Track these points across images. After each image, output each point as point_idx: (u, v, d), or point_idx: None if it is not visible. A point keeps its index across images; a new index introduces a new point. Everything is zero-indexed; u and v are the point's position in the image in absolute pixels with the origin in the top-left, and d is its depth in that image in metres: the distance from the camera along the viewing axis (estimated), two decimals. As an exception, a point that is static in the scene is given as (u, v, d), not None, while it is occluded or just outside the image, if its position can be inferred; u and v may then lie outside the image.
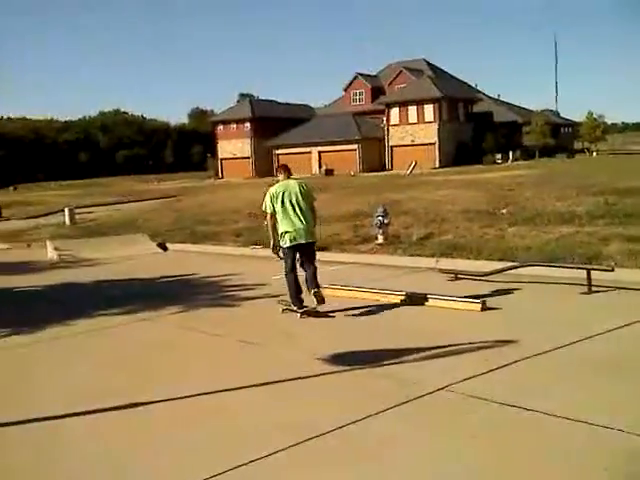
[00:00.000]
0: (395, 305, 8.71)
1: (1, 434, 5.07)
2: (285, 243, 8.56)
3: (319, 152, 61.49)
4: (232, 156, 70.86)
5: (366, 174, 47.65)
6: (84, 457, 4.56)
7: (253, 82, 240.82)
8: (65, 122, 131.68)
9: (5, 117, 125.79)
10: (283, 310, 8.71)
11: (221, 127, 73.07)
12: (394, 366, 6.10)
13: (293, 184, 8.85)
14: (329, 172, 55.63)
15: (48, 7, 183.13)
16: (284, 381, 5.86)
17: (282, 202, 8.56)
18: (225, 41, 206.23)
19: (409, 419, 4.89)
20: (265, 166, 64.97)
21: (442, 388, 5.38)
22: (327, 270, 11.76)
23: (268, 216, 8.71)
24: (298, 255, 8.64)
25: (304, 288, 8.62)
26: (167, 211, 23.78)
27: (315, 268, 8.75)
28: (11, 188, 66.54)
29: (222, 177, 70.02)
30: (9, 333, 8.33)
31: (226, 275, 11.89)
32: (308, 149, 61.95)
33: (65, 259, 16.08)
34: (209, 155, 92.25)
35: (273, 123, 66.94)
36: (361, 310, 8.61)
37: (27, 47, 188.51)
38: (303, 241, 8.55)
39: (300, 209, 8.56)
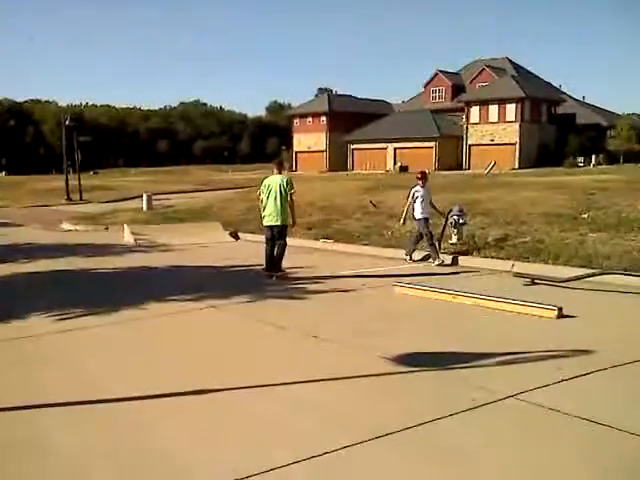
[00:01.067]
0: (466, 307, 8.51)
1: (89, 412, 5.18)
2: (264, 222, 11.07)
3: (395, 148, 61.05)
4: (307, 149, 71.23)
5: (442, 172, 46.89)
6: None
7: (332, 77, 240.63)
8: (147, 111, 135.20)
9: (90, 104, 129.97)
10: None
11: (297, 120, 73.53)
12: (463, 370, 5.94)
13: (278, 179, 10.98)
14: (404, 169, 55.13)
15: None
16: (350, 378, 5.78)
17: (268, 192, 10.85)
18: (305, 35, 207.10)
19: (475, 425, 4.75)
20: (339, 160, 65.05)
21: (512, 396, 5.20)
22: (399, 268, 11.70)
23: (259, 200, 11.17)
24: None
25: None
26: (241, 201, 24.01)
27: (281, 247, 10.97)
28: (91, 173, 68.70)
29: (296, 170, 70.44)
30: (86, 313, 8.55)
31: (296, 267, 11.88)
32: (384, 145, 61.61)
33: (141, 244, 16.48)
34: (284, 148, 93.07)
35: (350, 118, 66.88)
36: (431, 311, 8.46)
37: (113, 37, 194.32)
38: (273, 224, 10.90)
39: (275, 199, 10.78)
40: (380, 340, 7.03)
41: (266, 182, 11.03)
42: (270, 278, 10.89)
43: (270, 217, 10.92)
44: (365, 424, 4.74)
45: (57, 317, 8.33)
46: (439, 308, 8.58)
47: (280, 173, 11.21)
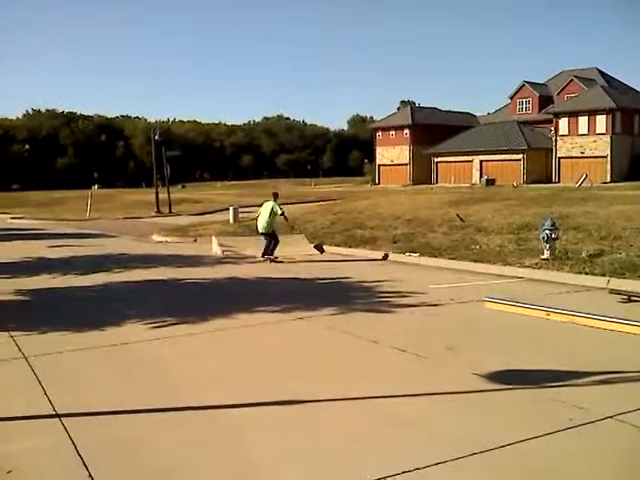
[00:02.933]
0: (561, 324, 8.19)
1: (182, 417, 5.26)
2: (258, 230, 16.29)
3: (481, 161, 60.01)
4: (390, 163, 70.96)
5: (531, 185, 45.77)
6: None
7: (415, 89, 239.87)
8: (231, 126, 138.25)
9: (177, 119, 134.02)
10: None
11: (380, 134, 73.38)
12: (558, 388, 5.73)
13: (271, 204, 16.21)
14: (490, 182, 54.07)
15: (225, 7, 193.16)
16: (441, 394, 5.66)
17: (262, 211, 16.31)
18: (388, 49, 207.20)
19: (571, 446, 4.55)
20: (423, 174, 64.48)
21: (611, 417, 4.96)
22: (489, 283, 11.42)
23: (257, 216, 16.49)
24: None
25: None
26: (325, 214, 24.12)
27: (267, 244, 15.96)
28: (179, 186, 70.62)
29: (379, 183, 70.31)
30: (177, 322, 8.73)
31: (382, 281, 11.80)
32: (469, 158, 60.68)
33: (229, 255, 16.75)
34: (366, 161, 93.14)
35: (433, 130, 66.24)
36: (524, 328, 8.19)
37: (199, 54, 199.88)
38: (262, 231, 16.12)
39: (264, 216, 16.13)
40: (471, 356, 6.85)
41: (264, 205, 16.45)
42: (265, 261, 15.59)
43: (260, 227, 16.23)
44: (456, 441, 4.62)
45: (149, 325, 8.54)
46: (532, 325, 8.30)
47: (274, 201, 16.29)
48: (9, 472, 4.25)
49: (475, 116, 76.36)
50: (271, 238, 15.95)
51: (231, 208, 27.02)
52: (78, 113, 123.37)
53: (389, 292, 10.68)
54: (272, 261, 15.60)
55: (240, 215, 26.78)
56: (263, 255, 15.80)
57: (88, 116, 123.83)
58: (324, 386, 5.95)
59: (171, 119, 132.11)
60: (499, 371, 6.22)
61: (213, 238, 18.50)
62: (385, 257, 15.53)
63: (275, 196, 16.61)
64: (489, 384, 5.89)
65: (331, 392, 5.73)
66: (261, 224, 16.14)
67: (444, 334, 7.88)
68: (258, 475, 4.22)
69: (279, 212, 16.05)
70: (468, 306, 9.61)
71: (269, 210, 15.99)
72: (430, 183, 60.99)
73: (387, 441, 4.68)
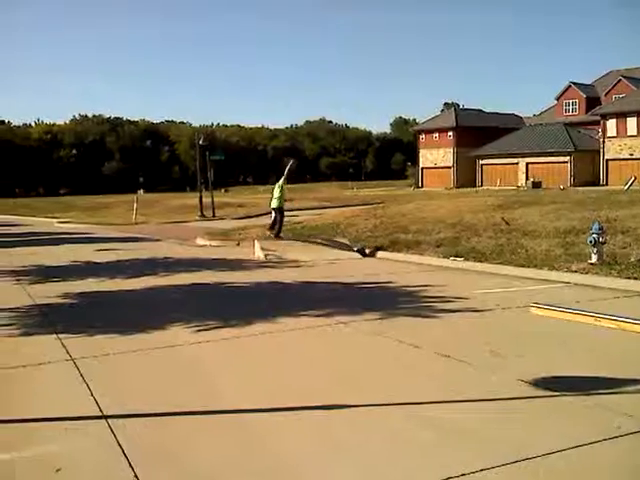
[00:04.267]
0: (610, 330, 8.00)
1: (223, 421, 5.30)
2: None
3: (527, 163, 59.26)
4: (433, 165, 70.56)
5: (578, 188, 44.91)
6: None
7: (459, 91, 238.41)
8: (274, 130, 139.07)
9: (221, 124, 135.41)
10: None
11: (423, 136, 73.03)
12: (606, 396, 5.61)
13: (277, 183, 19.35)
14: (537, 185, 53.29)
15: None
16: (487, 400, 5.59)
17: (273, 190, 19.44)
18: (431, 50, 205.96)
19: (621, 453, 4.46)
20: (467, 176, 63.94)
21: (661, 425, 4.81)
22: (535, 289, 11.22)
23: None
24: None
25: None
26: (368, 217, 24.06)
27: (274, 219, 19.45)
28: (223, 190, 71.26)
29: (422, 186, 69.93)
30: (221, 325, 8.79)
31: (425, 285, 11.70)
32: (515, 160, 59.98)
33: (271, 259, 16.82)
34: (409, 164, 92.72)
35: (478, 133, 65.67)
36: (572, 334, 8.03)
37: (245, 60, 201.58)
38: (271, 206, 19.63)
39: (273, 194, 19.25)
40: (517, 362, 6.74)
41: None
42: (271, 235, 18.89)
43: (271, 203, 19.48)
44: (502, 447, 4.56)
45: (194, 328, 8.62)
46: (579, 331, 8.13)
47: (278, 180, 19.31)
48: (58, 470, 4.34)
49: (521, 118, 75.47)
50: (277, 214, 19.20)
51: (273, 212, 27.11)
52: (124, 118, 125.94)
53: (433, 297, 10.57)
54: (276, 237, 19.03)
55: (283, 219, 26.85)
56: (271, 227, 19.41)
57: (134, 121, 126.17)
58: (368, 391, 5.93)
59: (215, 124, 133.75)
60: (545, 378, 6.11)
61: (255, 242, 18.60)
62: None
63: (279, 177, 19.65)
64: (535, 391, 5.79)
65: (375, 397, 5.70)
66: (271, 200, 19.48)
67: (489, 340, 7.76)
68: (296, 471, 4.22)
69: (281, 182, 19.20)
70: (514, 312, 9.46)
71: (276, 187, 19.24)
72: (474, 186, 60.43)
73: (432, 447, 4.64)
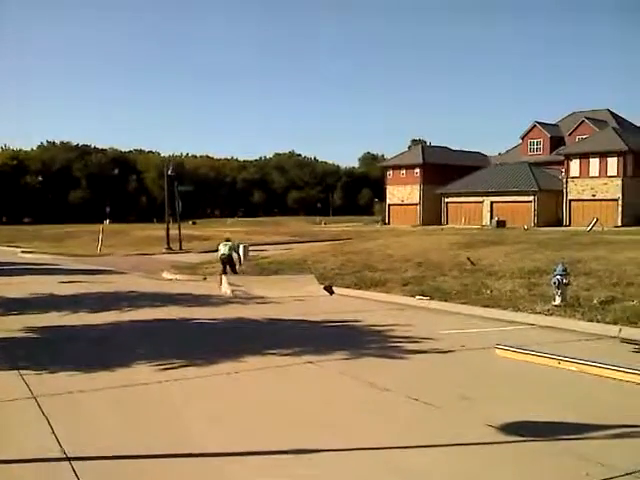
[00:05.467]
0: (573, 373, 8.12)
1: (186, 464, 5.22)
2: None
3: (491, 202, 60.14)
4: (400, 202, 71.13)
5: (541, 228, 45.70)
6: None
7: (426, 128, 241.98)
8: (244, 161, 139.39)
9: (190, 154, 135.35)
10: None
11: (391, 172, 73.71)
12: (574, 442, 5.64)
13: (229, 243, 21.29)
14: (501, 224, 54.09)
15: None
16: (454, 445, 5.61)
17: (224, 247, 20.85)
18: (399, 86, 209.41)
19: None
20: (433, 214, 64.59)
21: (630, 473, 4.87)
22: (500, 330, 11.34)
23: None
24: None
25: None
26: (336, 254, 24.14)
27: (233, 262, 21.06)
28: (190, 222, 70.96)
29: (389, 223, 70.42)
30: (185, 364, 8.70)
31: (392, 325, 11.75)
32: (480, 198, 60.83)
33: (238, 295, 16.76)
34: (377, 200, 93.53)
35: (444, 170, 66.56)
36: (536, 376, 8.13)
37: (211, 91, 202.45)
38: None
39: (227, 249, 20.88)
40: (484, 406, 6.79)
41: (222, 244, 21.31)
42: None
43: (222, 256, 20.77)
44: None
45: (158, 366, 8.52)
46: (544, 374, 8.22)
47: (228, 241, 21.60)
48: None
49: (486, 156, 76.81)
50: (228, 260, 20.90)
51: (241, 246, 27.05)
52: (92, 146, 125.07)
53: (400, 337, 10.62)
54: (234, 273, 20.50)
55: (250, 254, 26.82)
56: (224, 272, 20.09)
57: (102, 149, 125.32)
58: (334, 434, 5.90)
59: (184, 154, 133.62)
60: (513, 422, 6.15)
61: (222, 277, 18.53)
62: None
63: (227, 240, 21.88)
64: (503, 435, 5.83)
65: (341, 441, 5.68)
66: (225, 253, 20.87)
67: (456, 382, 7.82)
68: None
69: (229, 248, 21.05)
70: (480, 353, 9.55)
71: (231, 246, 21.28)
72: (440, 224, 61.07)
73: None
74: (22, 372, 8.14)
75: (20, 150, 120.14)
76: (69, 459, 5.23)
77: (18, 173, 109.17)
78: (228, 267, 20.69)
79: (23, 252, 38.94)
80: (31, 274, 23.92)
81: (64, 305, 14.61)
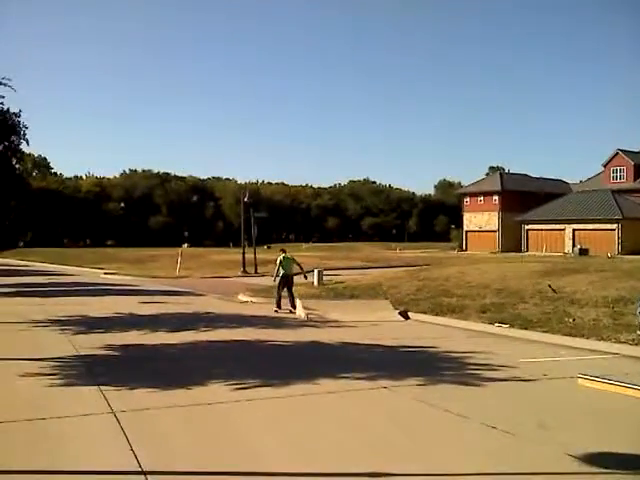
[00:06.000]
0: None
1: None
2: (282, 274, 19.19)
3: (573, 230, 58.42)
4: (478, 229, 70.12)
5: (626, 257, 44.01)
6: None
7: (504, 155, 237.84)
8: (318, 188, 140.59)
9: (266, 181, 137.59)
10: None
11: (468, 199, 72.88)
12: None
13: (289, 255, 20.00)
14: (583, 252, 52.36)
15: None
16: (532, 474, 5.41)
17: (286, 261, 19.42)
18: (476, 113, 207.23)
19: None
20: (512, 241, 63.31)
21: None
22: (582, 359, 10.91)
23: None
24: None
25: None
26: (411, 280, 23.88)
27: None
28: (265, 247, 71.80)
29: (466, 249, 69.43)
30: (260, 384, 8.73)
31: (470, 352, 11.47)
32: (561, 226, 59.22)
33: (312, 318, 16.77)
34: (453, 226, 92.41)
35: (523, 197, 65.35)
36: (621, 407, 7.76)
37: (292, 120, 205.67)
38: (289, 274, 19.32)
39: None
40: (565, 435, 6.51)
41: (282, 257, 19.57)
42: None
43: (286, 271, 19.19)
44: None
45: (233, 386, 8.57)
46: (628, 405, 7.84)
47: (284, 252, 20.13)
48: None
49: (567, 183, 74.97)
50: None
51: (315, 270, 27.18)
52: (172, 174, 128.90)
53: (479, 364, 10.34)
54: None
55: (324, 278, 26.90)
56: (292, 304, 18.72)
57: (181, 177, 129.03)
58: (409, 460, 5.77)
59: (259, 181, 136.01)
60: (594, 453, 5.89)
61: (297, 301, 18.59)
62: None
63: (283, 251, 20.44)
64: (583, 466, 5.58)
65: (416, 467, 5.56)
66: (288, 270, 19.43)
67: (536, 411, 7.54)
68: None
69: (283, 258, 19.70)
70: (561, 382, 9.20)
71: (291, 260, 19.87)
72: (520, 251, 59.72)
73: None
74: (102, 388, 8.33)
75: (103, 178, 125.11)
76: (144, 473, 5.29)
77: (101, 199, 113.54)
78: (286, 290, 19.02)
79: (105, 273, 40.23)
80: (113, 294, 24.68)
81: (144, 324, 14.96)
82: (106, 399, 7.79)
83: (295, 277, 20.25)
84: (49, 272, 42.95)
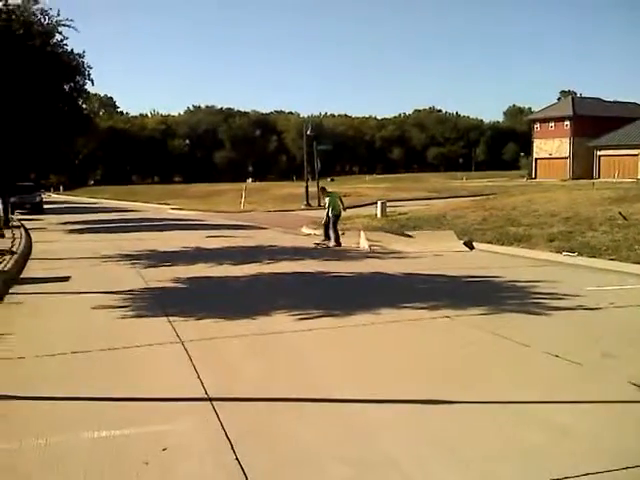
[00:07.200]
0: None
1: (322, 409, 5.34)
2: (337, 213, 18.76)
3: (648, 155, 56.10)
4: (548, 156, 68.16)
5: (703, 182, 42.07)
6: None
7: (577, 79, 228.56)
8: (382, 119, 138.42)
9: (329, 114, 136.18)
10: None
11: (538, 125, 70.67)
12: None
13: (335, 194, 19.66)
14: (658, 177, 50.41)
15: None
16: (595, 402, 5.37)
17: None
18: (544, 36, 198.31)
19: None
20: (583, 168, 61.39)
21: None
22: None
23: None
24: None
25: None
26: (477, 209, 23.51)
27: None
28: (329, 179, 71.70)
29: (535, 177, 67.73)
30: (322, 315, 8.84)
31: (535, 281, 11.29)
32: (636, 151, 56.91)
33: (375, 250, 16.77)
34: (522, 154, 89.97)
35: (596, 122, 62.82)
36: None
37: (353, 51, 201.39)
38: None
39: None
40: (629, 365, 6.39)
41: (329, 199, 19.11)
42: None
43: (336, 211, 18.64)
44: (608, 452, 4.37)
45: (297, 316, 8.73)
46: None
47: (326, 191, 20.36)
48: (164, 450, 4.50)
49: (643, 106, 71.56)
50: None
51: (379, 202, 27.06)
52: (235, 109, 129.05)
53: (543, 293, 10.18)
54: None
55: (388, 209, 26.76)
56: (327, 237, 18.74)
57: (244, 112, 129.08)
58: (469, 388, 5.78)
59: (322, 113, 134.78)
60: (660, 382, 5.77)
61: (361, 232, 18.60)
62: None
63: (324, 190, 20.88)
64: (645, 395, 5.48)
65: (477, 395, 5.57)
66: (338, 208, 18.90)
67: (601, 340, 7.41)
68: (401, 476, 4.16)
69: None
70: (628, 311, 9.00)
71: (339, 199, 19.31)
72: (591, 178, 57.88)
73: (536, 447, 4.48)
74: (171, 318, 8.61)
75: (168, 115, 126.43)
76: (210, 399, 5.48)
77: (167, 136, 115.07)
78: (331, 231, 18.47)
79: (172, 209, 41.10)
80: (179, 229, 25.26)
81: (210, 257, 15.30)
82: (174, 329, 8.05)
83: (359, 209, 20.27)
84: (118, 209, 44.21)
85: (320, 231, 20.06)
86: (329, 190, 20.42)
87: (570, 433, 4.72)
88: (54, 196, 71.39)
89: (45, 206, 40.11)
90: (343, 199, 19.90)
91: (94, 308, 9.45)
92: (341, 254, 16.30)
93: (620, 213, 17.52)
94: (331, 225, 18.62)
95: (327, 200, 19.12)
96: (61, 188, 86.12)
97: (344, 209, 19.32)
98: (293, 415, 5.21)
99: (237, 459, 4.33)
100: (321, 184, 21.54)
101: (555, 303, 9.35)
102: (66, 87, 19.64)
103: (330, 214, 18.60)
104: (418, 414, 5.18)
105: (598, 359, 6.61)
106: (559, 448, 4.47)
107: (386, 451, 4.48)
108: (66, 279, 12.27)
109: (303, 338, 7.72)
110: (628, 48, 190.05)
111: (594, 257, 13.61)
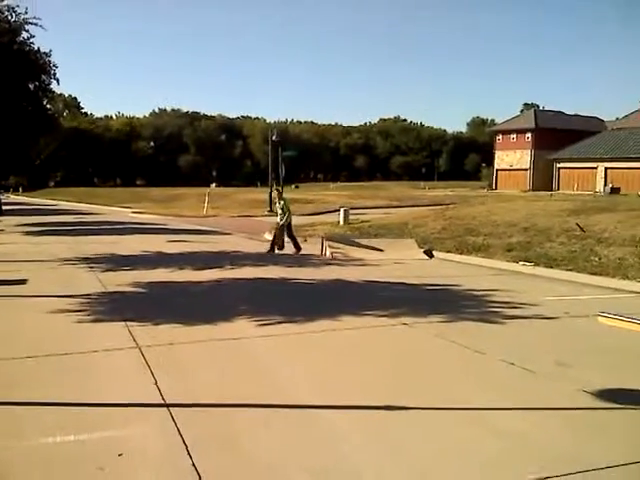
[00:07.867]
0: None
1: (280, 415, 5.35)
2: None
3: (605, 168, 57.32)
4: (509, 167, 69.19)
5: (658, 196, 43.17)
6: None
7: (539, 92, 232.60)
8: (348, 127, 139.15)
9: (295, 120, 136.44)
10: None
11: (500, 137, 71.71)
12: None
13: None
14: (615, 190, 51.56)
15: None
16: (546, 409, 5.49)
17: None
18: (510, 49, 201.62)
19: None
20: (543, 180, 62.43)
21: None
22: (606, 298, 10.86)
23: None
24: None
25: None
26: (437, 218, 23.78)
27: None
28: (293, 186, 71.81)
29: (496, 188, 68.68)
30: (284, 321, 8.86)
31: (493, 290, 11.48)
32: (594, 164, 58.10)
33: (337, 257, 16.85)
34: (484, 165, 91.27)
35: (557, 135, 64.00)
36: (639, 345, 7.75)
37: (317, 57, 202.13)
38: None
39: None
40: (582, 373, 6.54)
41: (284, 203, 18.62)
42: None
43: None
44: (557, 457, 4.48)
45: (258, 322, 8.73)
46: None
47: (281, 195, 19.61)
48: (120, 455, 4.47)
49: (603, 121, 73.15)
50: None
51: (342, 210, 27.19)
52: (201, 113, 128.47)
53: (501, 302, 10.36)
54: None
55: (351, 217, 26.90)
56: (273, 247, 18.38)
57: (210, 116, 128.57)
58: (425, 394, 5.87)
59: (288, 120, 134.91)
60: (610, 389, 5.94)
61: (323, 239, 18.66)
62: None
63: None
64: (598, 402, 5.62)
65: (432, 400, 5.65)
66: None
67: (555, 349, 7.57)
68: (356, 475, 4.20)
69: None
70: (582, 321, 9.20)
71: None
72: (550, 190, 58.92)
73: (484, 452, 4.58)
74: (129, 324, 8.53)
75: (133, 117, 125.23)
76: (167, 405, 5.46)
77: (131, 139, 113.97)
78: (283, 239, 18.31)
79: (134, 212, 40.69)
80: (141, 233, 25.01)
81: (171, 262, 15.20)
82: (132, 334, 7.98)
83: (322, 216, 20.30)
84: (78, 211, 43.58)
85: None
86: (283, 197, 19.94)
87: (526, 439, 4.83)
88: (13, 197, 70.07)
89: (3, 207, 39.33)
90: (307, 206, 20.07)
91: (51, 312, 9.31)
92: (303, 261, 16.34)
93: (577, 224, 17.90)
94: (286, 231, 18.52)
95: (282, 203, 18.74)
96: (20, 189, 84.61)
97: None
98: (251, 421, 5.22)
99: (194, 464, 4.33)
100: (276, 190, 20.94)
101: (512, 312, 9.53)
102: (31, 86, 19.34)
103: (286, 220, 18.48)
104: (377, 421, 5.23)
105: (552, 367, 6.74)
106: (516, 454, 4.57)
107: (350, 459, 4.53)
108: (23, 282, 12.07)
109: (264, 344, 7.73)
110: (589, 62, 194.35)
111: (551, 267, 13.88)
